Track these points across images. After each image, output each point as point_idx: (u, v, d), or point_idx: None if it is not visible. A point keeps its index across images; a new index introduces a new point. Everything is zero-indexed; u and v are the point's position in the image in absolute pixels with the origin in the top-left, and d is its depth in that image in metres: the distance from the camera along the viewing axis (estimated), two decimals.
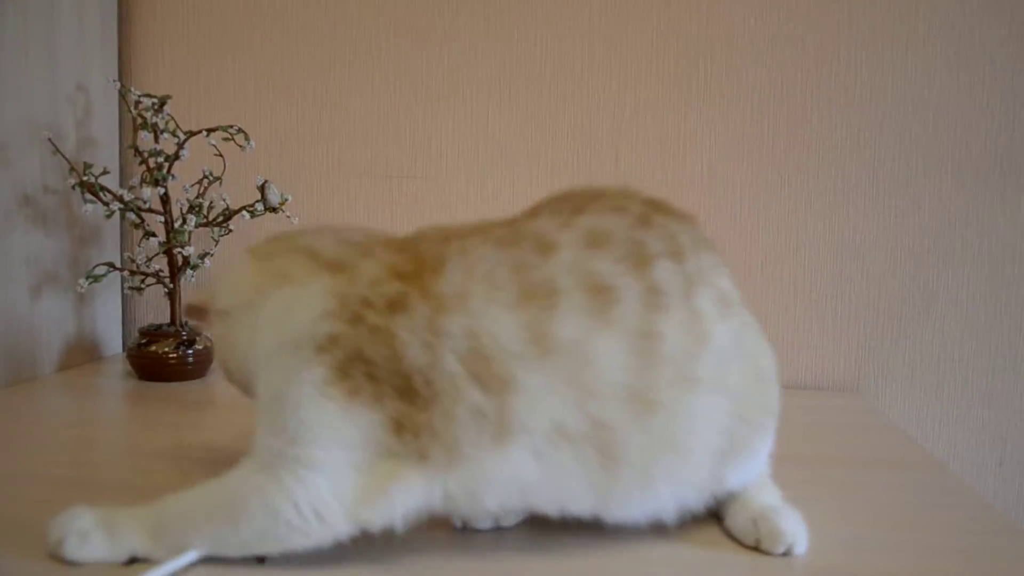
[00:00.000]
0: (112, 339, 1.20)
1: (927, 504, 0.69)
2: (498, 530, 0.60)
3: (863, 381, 1.13)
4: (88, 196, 0.98)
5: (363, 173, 1.20)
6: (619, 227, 0.55)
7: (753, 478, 0.62)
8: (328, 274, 0.55)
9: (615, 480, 0.53)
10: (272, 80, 1.21)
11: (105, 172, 1.04)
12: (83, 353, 1.13)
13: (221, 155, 1.08)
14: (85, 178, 1.00)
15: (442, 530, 0.59)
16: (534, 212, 0.59)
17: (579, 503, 0.55)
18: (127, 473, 0.73)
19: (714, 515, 0.62)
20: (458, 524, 0.60)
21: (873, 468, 0.78)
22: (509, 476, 0.52)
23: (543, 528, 0.59)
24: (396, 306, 0.52)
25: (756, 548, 0.58)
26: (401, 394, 0.51)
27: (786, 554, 0.57)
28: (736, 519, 0.60)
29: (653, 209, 0.58)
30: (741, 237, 1.14)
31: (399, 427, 0.51)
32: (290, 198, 1.09)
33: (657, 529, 0.59)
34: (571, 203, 0.58)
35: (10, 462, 0.74)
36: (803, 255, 1.13)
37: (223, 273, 0.66)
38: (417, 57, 1.18)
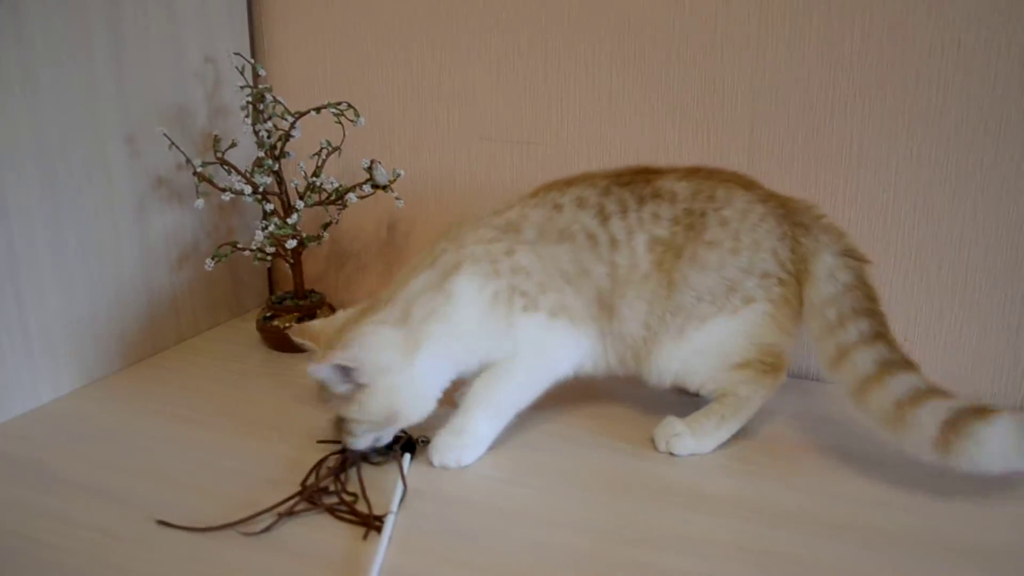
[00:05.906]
0: (260, 295, 1.29)
1: None
2: None
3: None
4: (202, 188, 1.02)
5: (483, 138, 1.14)
6: (592, 194, 0.87)
7: None
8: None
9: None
10: (391, 45, 1.16)
11: (233, 145, 1.07)
12: (230, 310, 1.23)
13: (342, 124, 1.07)
14: (208, 158, 1.04)
15: None
16: (550, 186, 0.90)
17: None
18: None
19: None
20: None
21: None
22: (560, 339, 0.86)
23: None
24: (509, 253, 0.85)
25: None
26: (543, 290, 0.85)
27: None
28: None
29: (616, 183, 0.87)
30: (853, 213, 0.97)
31: (560, 308, 0.85)
32: (403, 174, 1.07)
33: None
34: (564, 181, 0.90)
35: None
36: (901, 245, 0.95)
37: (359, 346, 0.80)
38: (534, 18, 1.08)
